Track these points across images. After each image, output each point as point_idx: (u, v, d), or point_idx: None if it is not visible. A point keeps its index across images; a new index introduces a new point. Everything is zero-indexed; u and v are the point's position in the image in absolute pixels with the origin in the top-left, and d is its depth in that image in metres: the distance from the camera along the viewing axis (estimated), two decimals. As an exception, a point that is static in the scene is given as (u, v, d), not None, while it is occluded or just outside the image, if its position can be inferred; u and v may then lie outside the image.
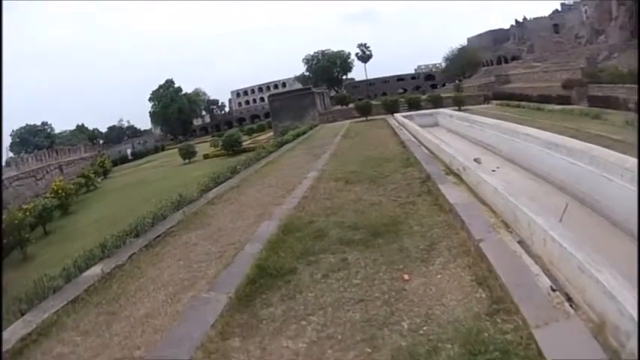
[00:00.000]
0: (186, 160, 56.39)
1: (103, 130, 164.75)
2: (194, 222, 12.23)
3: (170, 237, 11.07)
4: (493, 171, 13.70)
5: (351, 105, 68.96)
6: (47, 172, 58.84)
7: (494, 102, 58.98)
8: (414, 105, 54.61)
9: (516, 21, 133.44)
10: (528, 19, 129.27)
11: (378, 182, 13.60)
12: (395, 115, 43.65)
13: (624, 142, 18.16)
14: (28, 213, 27.73)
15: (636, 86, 39.35)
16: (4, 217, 25.29)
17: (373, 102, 60.89)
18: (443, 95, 59.71)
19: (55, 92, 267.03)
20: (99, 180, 58.73)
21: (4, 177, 44.54)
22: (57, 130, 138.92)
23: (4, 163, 56.04)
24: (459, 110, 43.62)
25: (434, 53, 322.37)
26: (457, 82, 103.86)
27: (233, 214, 12.39)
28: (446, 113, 33.66)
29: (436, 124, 33.45)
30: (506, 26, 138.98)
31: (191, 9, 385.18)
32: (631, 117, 29.51)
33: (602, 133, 23.13)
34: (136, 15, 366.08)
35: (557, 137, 13.84)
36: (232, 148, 53.11)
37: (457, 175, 12.54)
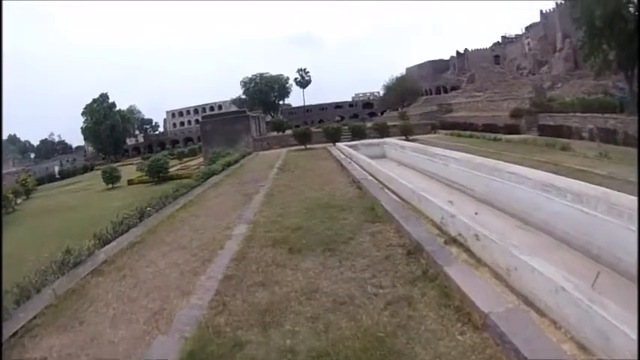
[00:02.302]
0: (110, 185, 53.25)
1: (35, 143, 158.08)
2: (63, 312, 8.39)
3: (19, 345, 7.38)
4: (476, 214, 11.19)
5: (288, 131, 64.93)
6: None
7: (442, 131, 55.78)
8: (358, 133, 50.44)
9: (457, 52, 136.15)
10: (469, 50, 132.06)
11: (338, 251, 9.55)
12: (337, 144, 40.00)
13: (621, 179, 16.61)
14: None
15: (588, 115, 39.76)
16: None
17: (313, 129, 56.58)
18: (389, 123, 55.99)
19: None
20: (19, 201, 54.88)
21: None
22: None
23: None
24: (407, 139, 40.38)
25: (372, 82, 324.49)
26: (401, 109, 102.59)
27: (119, 306, 8.43)
28: (395, 143, 29.98)
29: (383, 156, 30.10)
30: (447, 57, 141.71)
31: (134, 22, 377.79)
32: (603, 148, 28.92)
33: (584, 168, 21.03)
34: (74, 27, 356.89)
35: (556, 178, 11.30)
36: (158, 174, 49.62)
37: (461, 245, 8.56)
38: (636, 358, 4.14)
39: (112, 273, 10.42)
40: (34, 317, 8.20)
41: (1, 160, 27.69)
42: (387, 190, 14.98)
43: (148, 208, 17.30)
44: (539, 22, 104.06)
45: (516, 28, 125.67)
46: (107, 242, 13.28)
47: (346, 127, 54.18)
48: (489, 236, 7.56)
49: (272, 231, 11.93)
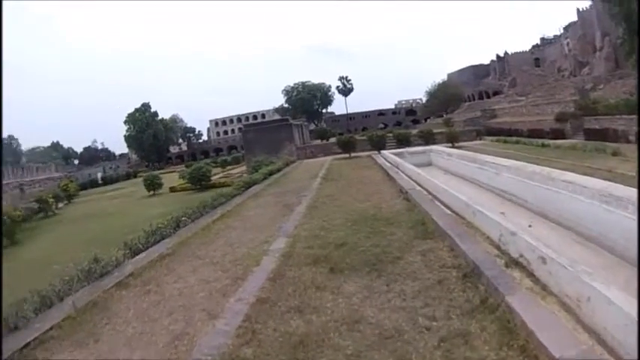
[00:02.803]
0: (151, 192, 53.42)
1: (79, 149, 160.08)
2: (80, 327, 7.88)
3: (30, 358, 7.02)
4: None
5: (332, 140, 63.83)
6: (5, 192, 55.26)
7: (487, 138, 54.12)
8: (403, 141, 48.92)
9: (497, 56, 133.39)
10: (509, 53, 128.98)
11: (385, 272, 8.34)
12: (382, 152, 38.43)
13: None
14: None
15: (634, 117, 36.26)
16: None
17: (357, 137, 55.53)
18: (435, 130, 54.37)
19: (30, 107, 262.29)
20: (60, 205, 56.15)
21: None
22: (31, 146, 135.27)
23: None
24: (453, 147, 38.89)
25: (414, 89, 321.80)
26: (445, 115, 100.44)
27: (138, 325, 7.66)
28: (441, 151, 28.36)
29: (429, 164, 28.57)
30: (487, 61, 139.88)
31: (176, 33, 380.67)
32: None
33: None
34: (120, 36, 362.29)
35: (615, 187, 9.90)
36: (199, 182, 49.24)
37: (524, 268, 7.29)
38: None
39: (137, 287, 9.73)
40: (50, 329, 7.78)
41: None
42: (437, 202, 13.69)
43: (184, 218, 16.46)
44: (577, 21, 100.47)
45: (555, 29, 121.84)
46: (137, 253, 12.72)
47: (391, 135, 52.84)
48: (557, 259, 6.35)
49: (313, 247, 10.80)
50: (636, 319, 4.47)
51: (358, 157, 41.35)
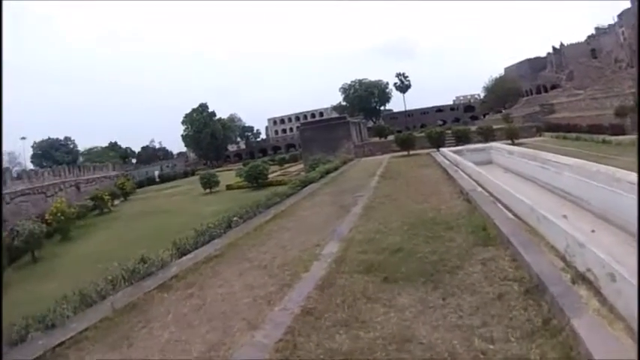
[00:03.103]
0: (207, 190, 54.35)
1: (136, 149, 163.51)
2: (116, 329, 7.71)
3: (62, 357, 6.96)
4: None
5: (390, 137, 62.92)
6: (61, 189, 57.20)
7: (547, 134, 52.53)
8: (462, 138, 48.36)
9: (553, 48, 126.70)
10: (565, 45, 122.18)
11: (442, 283, 7.52)
12: (441, 149, 37.51)
13: None
14: None
15: None
16: None
17: (415, 134, 54.54)
18: (495, 127, 53.14)
19: (89, 109, 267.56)
20: (116, 202, 58.08)
21: (6, 191, 43.57)
22: (88, 146, 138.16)
23: (15, 175, 52.50)
24: (513, 144, 37.62)
25: (472, 84, 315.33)
26: (504, 111, 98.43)
27: (175, 331, 7.31)
28: (501, 148, 27.08)
29: (489, 162, 27.32)
30: (543, 54, 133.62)
31: (228, 35, 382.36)
32: None
33: None
34: (170, 37, 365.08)
35: None
36: (256, 180, 49.95)
37: (591, 285, 6.32)
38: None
39: (179, 290, 9.39)
40: (86, 329, 7.69)
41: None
42: (499, 205, 12.58)
43: (235, 218, 16.00)
44: (630, 8, 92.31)
45: (610, 17, 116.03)
46: (185, 253, 12.42)
47: (450, 132, 51.92)
48: (628, 278, 5.40)
49: (367, 252, 10.01)
50: None
51: (417, 155, 40.24)
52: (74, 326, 7.82)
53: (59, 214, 38.46)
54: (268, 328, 6.67)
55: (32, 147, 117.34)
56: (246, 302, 7.99)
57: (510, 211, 11.52)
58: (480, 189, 15.50)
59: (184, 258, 11.96)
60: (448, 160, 27.61)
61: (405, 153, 45.26)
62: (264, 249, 11.88)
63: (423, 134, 52.47)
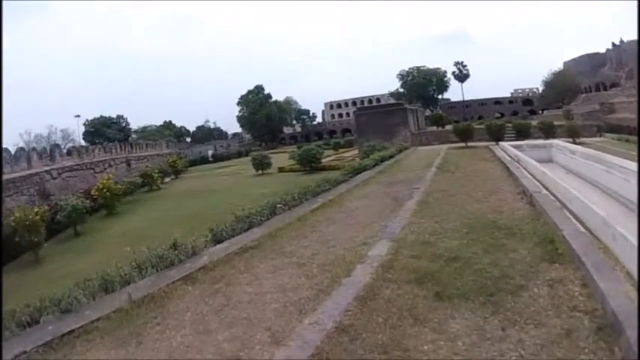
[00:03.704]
0: (259, 172, 53.98)
1: (191, 128, 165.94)
2: (128, 322, 7.18)
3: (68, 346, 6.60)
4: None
5: (448, 127, 61.27)
6: (110, 166, 57.59)
7: (608, 135, 50.45)
8: (522, 132, 46.44)
9: (613, 44, 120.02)
10: (625, 41, 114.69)
11: (503, 307, 6.22)
12: (501, 143, 35.80)
13: None
14: (37, 216, 27.70)
15: None
16: (16, 214, 27.47)
17: (474, 125, 52.71)
18: (556, 123, 51.17)
19: (146, 90, 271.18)
20: (167, 180, 58.96)
21: (55, 166, 43.91)
22: (142, 124, 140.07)
23: (64, 151, 52.43)
24: (574, 143, 35.76)
25: (531, 77, 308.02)
26: (564, 107, 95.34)
27: (190, 333, 6.58)
28: (564, 147, 25.23)
29: (550, 160, 25.71)
30: (603, 49, 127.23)
31: (284, 19, 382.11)
32: None
33: None
34: (229, 20, 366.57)
35: None
36: (309, 164, 49.18)
37: None
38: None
39: (204, 283, 8.63)
40: (99, 319, 7.23)
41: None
42: (567, 213, 11.00)
43: (279, 205, 14.95)
44: None
45: None
46: (220, 241, 11.50)
47: (510, 125, 50.09)
48: None
49: (420, 257, 8.70)
50: None
51: (475, 147, 38.48)
52: (87, 314, 7.41)
53: (105, 190, 39.11)
54: (293, 347, 5.65)
55: (84, 124, 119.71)
56: (275, 308, 7.01)
57: (580, 221, 10.06)
58: (544, 191, 14.00)
59: (218, 247, 11.08)
60: (509, 155, 26.02)
61: (463, 144, 43.38)
62: (304, 243, 10.84)
63: (482, 126, 50.75)
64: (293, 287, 7.79)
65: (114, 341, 6.51)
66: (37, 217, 27.25)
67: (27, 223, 26.41)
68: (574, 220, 10.10)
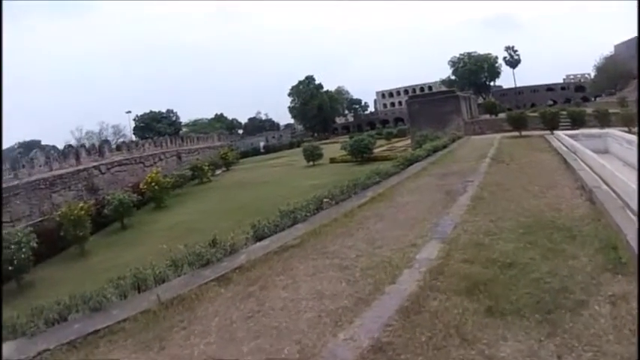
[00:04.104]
0: (310, 163, 53.54)
1: (243, 120, 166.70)
2: (154, 325, 7.03)
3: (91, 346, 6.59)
4: None
5: (501, 115, 60.19)
6: (160, 159, 58.13)
7: (665, 125, 47.85)
8: (577, 121, 43.95)
9: None
10: None
11: (560, 328, 5.41)
12: (556, 132, 34.86)
13: None
14: (82, 211, 28.12)
15: None
16: (62, 209, 28.17)
17: (527, 113, 51.33)
18: (610, 111, 48.77)
19: (197, 83, 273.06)
20: (218, 172, 59.32)
21: (103, 162, 44.85)
22: (193, 118, 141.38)
23: (114, 146, 52.79)
24: (630, 132, 34.20)
25: (583, 61, 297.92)
26: (618, 94, 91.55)
27: (214, 341, 6.26)
28: (620, 137, 23.78)
29: (606, 151, 24.48)
30: None
31: (334, 7, 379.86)
32: None
33: None
34: (277, 11, 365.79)
35: None
36: (361, 154, 48.26)
37: None
38: None
39: (238, 285, 8.27)
40: (125, 319, 7.17)
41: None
42: (629, 213, 9.71)
43: (326, 200, 14.36)
44: None
45: None
46: (261, 238, 11.08)
47: (564, 113, 47.41)
48: None
49: (472, 262, 7.92)
50: None
51: (529, 137, 37.15)
52: (115, 313, 7.40)
53: (153, 184, 39.23)
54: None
55: (134, 120, 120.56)
56: (309, 317, 6.43)
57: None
58: (604, 186, 12.82)
59: (257, 245, 10.65)
60: (565, 145, 24.84)
61: (517, 134, 42.03)
62: (349, 242, 10.16)
63: (535, 114, 49.02)
64: (331, 294, 7.19)
65: (137, 344, 6.38)
66: (82, 212, 27.66)
67: (72, 217, 26.81)
68: (637, 221, 9.12)
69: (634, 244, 7.40)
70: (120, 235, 31.11)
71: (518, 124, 43.60)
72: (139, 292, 8.39)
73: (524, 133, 41.60)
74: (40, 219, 30.70)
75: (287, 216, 12.34)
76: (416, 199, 14.65)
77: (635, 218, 9.00)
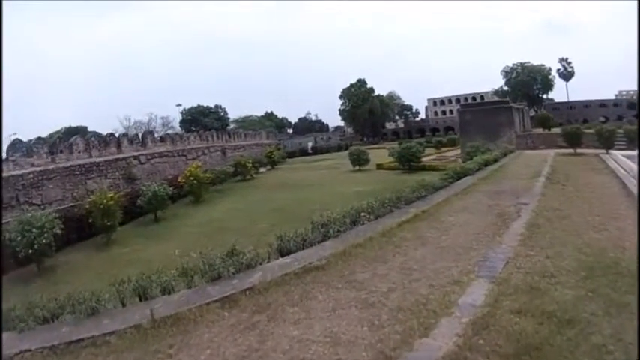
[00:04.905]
0: (356, 167, 52.35)
1: (293, 120, 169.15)
2: (141, 345, 6.63)
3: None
4: None
5: (554, 130, 57.47)
6: (204, 154, 57.66)
7: None
8: (634, 140, 41.82)
9: None
10: None
11: None
12: (611, 152, 33.48)
13: None
14: (112, 201, 27.97)
15: None
16: (92, 197, 28.75)
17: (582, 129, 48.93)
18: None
19: (247, 81, 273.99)
20: (262, 170, 59.66)
21: (145, 152, 44.81)
22: (243, 114, 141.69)
23: (157, 137, 52.27)
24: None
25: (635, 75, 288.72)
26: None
27: None
28: None
29: None
30: None
31: (389, 8, 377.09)
32: None
33: None
34: (333, 11, 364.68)
35: None
36: (409, 162, 46.85)
37: None
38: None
39: (243, 311, 7.36)
40: (112, 332, 6.88)
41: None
42: None
43: (363, 214, 12.97)
44: None
45: None
46: (286, 253, 10.14)
47: (620, 132, 45.37)
48: None
49: (524, 313, 6.40)
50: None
51: (584, 155, 35.25)
52: (105, 323, 7.20)
53: (192, 178, 39.03)
54: None
55: (181, 113, 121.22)
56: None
57: None
58: None
59: (277, 262, 9.70)
60: (622, 167, 23.05)
61: (571, 151, 40.10)
62: (382, 269, 8.87)
63: (590, 130, 45.69)
64: (349, 340, 5.94)
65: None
66: (112, 202, 27.79)
67: (101, 206, 26.96)
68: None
69: None
70: (151, 228, 30.92)
71: (574, 140, 41.62)
72: (140, 300, 8.08)
73: (578, 150, 39.85)
74: (71, 204, 30.87)
75: (318, 229, 11.23)
76: (464, 220, 13.19)
77: None
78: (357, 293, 7.60)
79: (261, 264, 9.39)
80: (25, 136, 40.89)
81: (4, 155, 29.30)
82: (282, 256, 9.92)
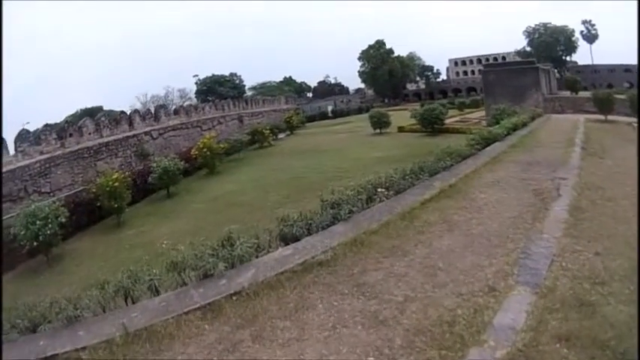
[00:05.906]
0: (377, 131, 51.50)
1: (312, 84, 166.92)
2: None
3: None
4: None
5: (581, 93, 55.52)
6: (220, 123, 57.02)
7: None
8: None
9: None
10: None
11: None
12: (647, 121, 30.75)
13: None
14: (117, 183, 27.34)
15: None
16: (100, 180, 28.06)
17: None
18: None
19: (265, 46, 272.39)
20: (281, 136, 59.56)
21: (157, 126, 44.62)
22: (261, 81, 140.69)
23: (172, 110, 52.19)
24: None
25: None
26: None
27: None
28: None
29: None
30: None
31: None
32: None
33: None
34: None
35: None
36: (431, 125, 45.88)
37: None
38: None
39: (226, 324, 6.19)
40: (84, 348, 6.09)
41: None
42: None
43: (380, 189, 11.24)
44: None
45: None
46: (290, 240, 8.74)
47: None
48: None
49: (572, 343, 4.83)
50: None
51: (616, 123, 33.82)
52: (80, 335, 6.50)
53: (205, 150, 38.55)
54: None
55: (195, 83, 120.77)
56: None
57: None
58: None
59: (275, 254, 8.25)
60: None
61: (602, 117, 38.33)
62: (399, 267, 7.34)
63: (623, 96, 43.98)
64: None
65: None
66: (117, 183, 27.55)
67: (107, 188, 27.01)
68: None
69: None
70: (161, 205, 30.84)
71: (605, 106, 39.78)
72: (126, 302, 7.42)
73: (608, 117, 38.11)
74: (81, 188, 31.21)
75: (327, 210, 9.76)
76: (496, 197, 11.45)
77: None
78: (366, 303, 6.16)
79: (257, 257, 8.10)
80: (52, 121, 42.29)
81: (12, 148, 28.64)
82: (285, 243, 8.63)
